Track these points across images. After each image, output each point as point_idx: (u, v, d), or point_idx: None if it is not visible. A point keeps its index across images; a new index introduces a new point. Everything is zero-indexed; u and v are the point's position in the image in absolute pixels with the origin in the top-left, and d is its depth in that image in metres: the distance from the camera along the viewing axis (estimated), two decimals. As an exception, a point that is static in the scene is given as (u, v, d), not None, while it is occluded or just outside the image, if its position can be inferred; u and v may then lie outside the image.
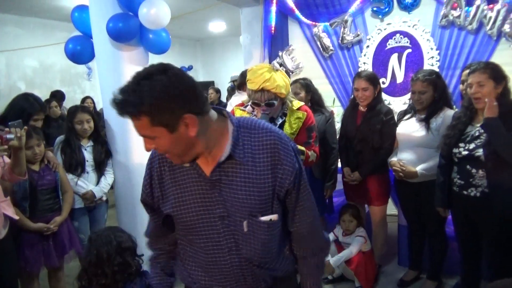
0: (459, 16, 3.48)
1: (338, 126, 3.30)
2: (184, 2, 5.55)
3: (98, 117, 3.33)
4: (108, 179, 2.88)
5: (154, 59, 7.48)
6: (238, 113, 2.27)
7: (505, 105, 2.08)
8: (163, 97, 0.97)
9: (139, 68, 3.12)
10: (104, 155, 2.87)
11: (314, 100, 2.98)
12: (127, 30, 2.60)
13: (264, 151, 1.12)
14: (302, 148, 2.16)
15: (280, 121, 2.24)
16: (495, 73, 2.12)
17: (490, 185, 2.12)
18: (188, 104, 1.01)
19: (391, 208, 3.28)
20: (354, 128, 2.88)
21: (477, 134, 2.18)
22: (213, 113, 1.12)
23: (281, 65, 4.37)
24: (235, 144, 1.11)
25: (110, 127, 2.89)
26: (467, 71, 2.62)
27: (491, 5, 3.35)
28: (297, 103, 2.28)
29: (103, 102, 2.94)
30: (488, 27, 3.39)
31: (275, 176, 1.13)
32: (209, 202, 1.14)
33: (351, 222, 2.95)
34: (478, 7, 3.39)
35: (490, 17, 3.36)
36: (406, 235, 3.03)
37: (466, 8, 3.44)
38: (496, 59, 3.32)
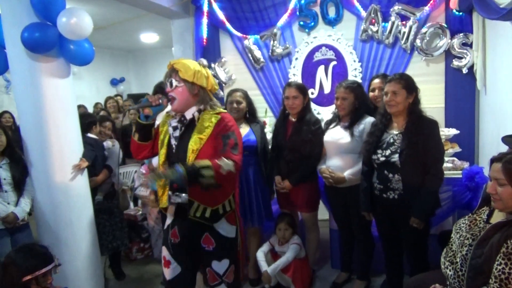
0: (377, 31, 3.76)
1: (270, 136, 3.37)
2: (111, 13, 5.37)
3: (16, 132, 3.09)
4: (26, 197, 2.70)
5: (82, 70, 7.12)
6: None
7: (415, 113, 2.29)
8: None
9: (59, 81, 2.97)
10: (22, 173, 2.67)
11: (252, 111, 3.03)
12: (45, 40, 2.44)
13: None
14: (206, 162, 1.84)
15: (187, 121, 2.01)
16: (408, 84, 2.31)
17: (405, 188, 2.28)
18: None
19: (324, 214, 3.40)
20: (285, 138, 2.95)
21: (391, 141, 2.35)
22: None
23: (214, 77, 4.38)
24: None
25: (28, 144, 2.68)
26: (376, 80, 2.91)
27: (404, 22, 3.65)
28: (219, 109, 2.07)
29: (19, 117, 2.72)
30: (403, 42, 3.69)
31: None
32: None
33: (287, 230, 3.01)
34: (393, 23, 3.68)
35: (404, 33, 3.67)
36: (337, 239, 3.16)
37: (383, 23, 3.72)
38: (410, 70, 3.64)
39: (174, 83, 1.97)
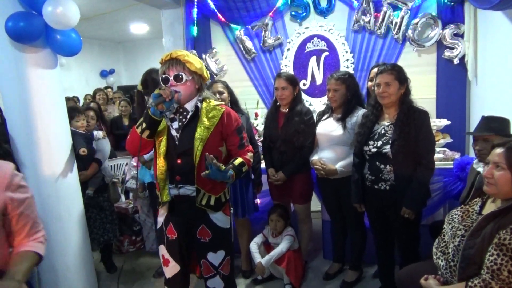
0: (369, 22, 3.73)
1: (262, 127, 3.35)
2: (99, 2, 5.26)
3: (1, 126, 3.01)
4: None
5: (70, 61, 7.03)
6: None
7: (406, 103, 2.29)
8: None
9: (46, 72, 2.87)
10: None
11: (233, 101, 3.01)
12: (30, 30, 2.37)
13: None
14: (240, 160, 2.00)
15: (190, 113, 1.97)
16: (400, 75, 2.30)
17: (397, 178, 2.28)
18: None
19: (317, 205, 3.40)
20: (277, 129, 2.94)
21: (382, 132, 2.34)
22: None
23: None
24: None
25: (14, 137, 2.62)
26: (375, 69, 2.83)
27: (395, 12, 3.63)
28: (213, 101, 2.06)
29: (5, 110, 2.65)
30: (395, 32, 3.68)
31: None
32: None
33: (278, 222, 3.01)
34: (385, 13, 3.66)
35: (396, 23, 3.65)
36: (329, 230, 3.16)
37: (375, 14, 3.70)
38: (402, 61, 3.63)
39: (185, 77, 1.91)
